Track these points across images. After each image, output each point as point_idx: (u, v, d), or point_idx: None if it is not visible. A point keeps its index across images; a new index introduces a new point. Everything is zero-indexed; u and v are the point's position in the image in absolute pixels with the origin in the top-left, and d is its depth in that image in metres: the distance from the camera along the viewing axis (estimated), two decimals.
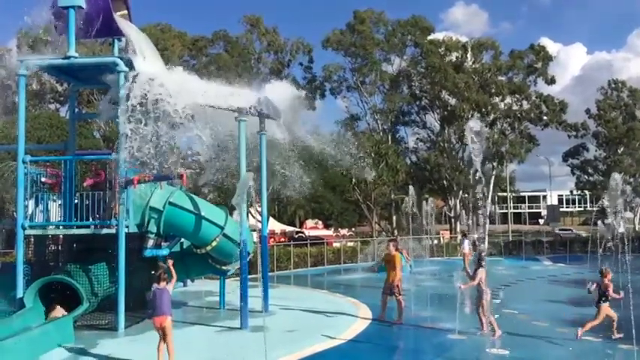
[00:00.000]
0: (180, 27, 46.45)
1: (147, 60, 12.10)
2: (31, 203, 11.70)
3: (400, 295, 12.66)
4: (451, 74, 42.58)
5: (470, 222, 44.43)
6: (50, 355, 9.47)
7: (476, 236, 29.99)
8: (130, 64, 11.37)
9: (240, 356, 9.48)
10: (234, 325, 11.78)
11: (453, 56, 44.68)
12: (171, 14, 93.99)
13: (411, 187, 21.37)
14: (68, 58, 11.75)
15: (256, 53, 46.32)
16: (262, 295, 13.42)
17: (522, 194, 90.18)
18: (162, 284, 8.79)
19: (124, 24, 12.85)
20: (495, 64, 44.85)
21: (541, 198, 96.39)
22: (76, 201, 11.56)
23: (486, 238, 41.07)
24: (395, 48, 47.26)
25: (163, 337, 8.80)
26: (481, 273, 11.15)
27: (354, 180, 39.04)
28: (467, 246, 23.61)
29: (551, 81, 46.23)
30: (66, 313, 10.87)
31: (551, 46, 54.31)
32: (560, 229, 51.91)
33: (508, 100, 45.02)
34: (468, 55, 45.08)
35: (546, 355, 9.95)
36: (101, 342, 10.23)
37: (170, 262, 9.60)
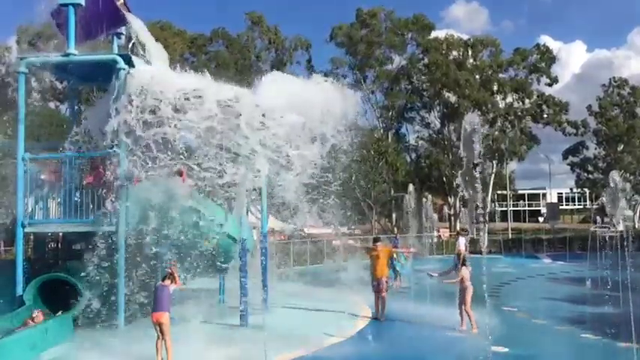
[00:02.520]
0: (179, 24, 46.38)
1: (152, 56, 12.17)
2: (30, 201, 11.69)
3: (386, 291, 12.78)
4: (453, 70, 42.53)
5: (466, 220, 44.44)
6: (51, 353, 9.49)
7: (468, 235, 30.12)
8: (129, 62, 11.35)
9: (240, 354, 9.50)
10: (234, 323, 11.79)
11: (455, 53, 44.65)
12: (170, 12, 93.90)
13: (410, 186, 21.44)
14: (68, 55, 11.74)
15: (255, 51, 46.30)
16: (262, 292, 13.43)
17: (522, 192, 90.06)
18: (167, 282, 9.19)
19: (130, 17, 12.84)
20: (496, 61, 44.82)
21: (541, 196, 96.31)
22: (76, 198, 11.55)
23: (486, 236, 41.12)
24: (397, 47, 47.18)
25: (161, 333, 8.91)
26: (464, 271, 11.57)
27: (353, 178, 38.98)
28: (462, 244, 23.86)
29: (554, 80, 46.22)
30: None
31: (552, 44, 54.39)
32: (597, 226, 51.25)
33: (509, 98, 45.04)
34: (469, 53, 45.05)
35: (545, 353, 9.97)
36: (101, 339, 10.23)
37: (175, 268, 9.70)
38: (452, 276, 12.35)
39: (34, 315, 10.21)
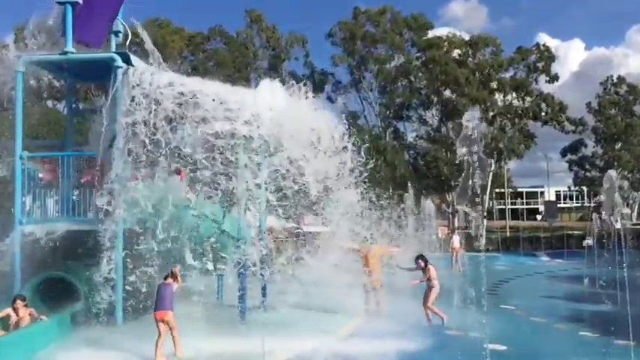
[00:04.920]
0: (176, 22, 46.31)
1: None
2: (28, 199, 11.68)
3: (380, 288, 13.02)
4: (453, 68, 42.47)
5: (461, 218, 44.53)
6: (49, 351, 9.48)
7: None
8: (127, 60, 11.33)
9: (238, 352, 9.50)
10: (232, 321, 11.79)
11: (455, 53, 44.64)
12: (167, 8, 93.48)
13: (409, 185, 21.59)
14: (65, 53, 11.71)
15: (254, 49, 46.30)
16: (261, 290, 13.43)
17: (520, 190, 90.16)
18: (169, 280, 9.33)
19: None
20: (496, 60, 44.77)
21: (539, 194, 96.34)
22: (74, 197, 11.56)
23: (484, 234, 41.10)
24: (397, 47, 47.14)
25: (170, 330, 9.10)
26: (432, 270, 12.05)
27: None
28: (456, 241, 24.30)
29: (554, 78, 46.22)
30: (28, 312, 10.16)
31: (550, 42, 54.29)
32: (633, 223, 51.01)
33: (509, 96, 45.11)
34: (469, 51, 45.04)
35: (543, 351, 9.98)
36: (99, 337, 10.22)
37: (177, 268, 9.78)
38: (416, 275, 12.67)
39: (16, 306, 9.86)
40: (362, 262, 13.24)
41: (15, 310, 9.81)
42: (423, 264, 12.30)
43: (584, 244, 31.22)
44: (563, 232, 40.61)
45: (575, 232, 39.52)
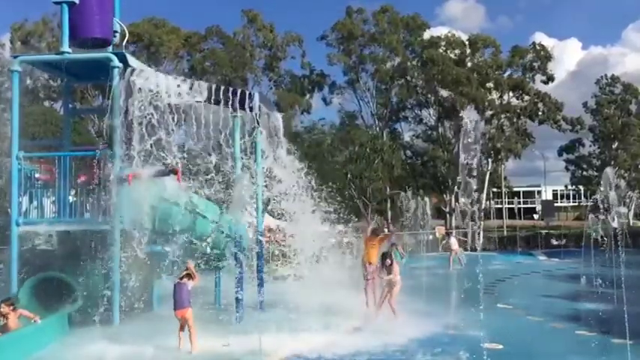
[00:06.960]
0: (173, 21, 46.17)
1: None
2: (25, 200, 11.66)
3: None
4: (451, 67, 42.42)
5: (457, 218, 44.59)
6: (46, 351, 9.47)
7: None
8: (124, 60, 11.32)
9: (235, 352, 9.50)
10: (229, 321, 11.79)
11: (457, 52, 44.62)
12: (164, 8, 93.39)
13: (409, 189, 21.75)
14: (62, 53, 11.69)
15: (251, 48, 46.25)
16: (257, 290, 13.41)
17: (517, 189, 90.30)
18: (184, 280, 9.66)
19: None
20: (495, 61, 44.75)
21: (535, 193, 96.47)
22: (71, 198, 11.54)
23: (481, 233, 41.19)
24: (396, 47, 47.08)
25: (188, 327, 9.51)
26: (396, 267, 12.47)
27: (349, 175, 39.22)
28: (454, 242, 24.51)
29: (550, 79, 46.22)
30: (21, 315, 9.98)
31: (547, 42, 54.26)
32: None
33: (506, 96, 45.14)
34: (467, 51, 45.04)
35: (541, 350, 9.99)
36: (96, 337, 10.21)
37: (191, 264, 10.07)
38: (382, 273, 12.87)
39: (3, 311, 9.66)
40: (367, 251, 13.37)
41: (2, 314, 9.63)
42: (389, 262, 12.54)
43: (553, 243, 31.53)
44: (561, 231, 40.75)
45: (551, 231, 40.04)
